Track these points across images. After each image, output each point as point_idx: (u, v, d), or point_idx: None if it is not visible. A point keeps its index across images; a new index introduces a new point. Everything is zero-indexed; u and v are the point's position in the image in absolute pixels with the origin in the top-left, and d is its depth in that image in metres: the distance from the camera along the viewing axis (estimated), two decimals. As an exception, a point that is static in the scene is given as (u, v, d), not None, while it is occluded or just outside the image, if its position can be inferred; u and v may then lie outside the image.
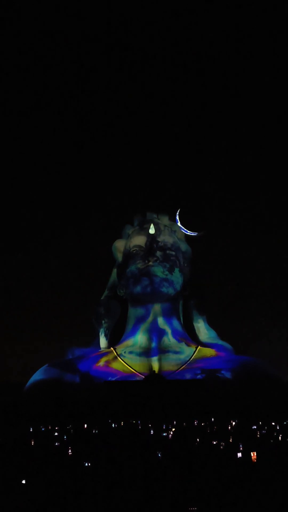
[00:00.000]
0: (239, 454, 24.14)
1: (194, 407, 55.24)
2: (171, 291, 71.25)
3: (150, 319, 71.85)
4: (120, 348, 70.94)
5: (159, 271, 70.29)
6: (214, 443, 29.48)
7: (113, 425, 45.42)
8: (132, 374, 66.05)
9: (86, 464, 22.30)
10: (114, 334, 73.99)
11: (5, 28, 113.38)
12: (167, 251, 72.30)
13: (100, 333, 73.18)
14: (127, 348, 70.62)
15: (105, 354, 70.22)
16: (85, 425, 43.77)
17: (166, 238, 73.51)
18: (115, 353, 70.00)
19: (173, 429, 38.99)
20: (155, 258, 70.53)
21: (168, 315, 72.62)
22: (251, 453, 23.13)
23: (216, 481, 18.52)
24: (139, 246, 72.61)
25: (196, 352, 69.42)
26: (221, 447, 27.94)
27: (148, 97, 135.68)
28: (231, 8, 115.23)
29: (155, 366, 67.24)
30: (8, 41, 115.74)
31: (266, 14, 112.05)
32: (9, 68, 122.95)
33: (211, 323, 75.57)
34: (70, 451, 26.39)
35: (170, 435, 35.19)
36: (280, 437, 32.81)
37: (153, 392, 59.33)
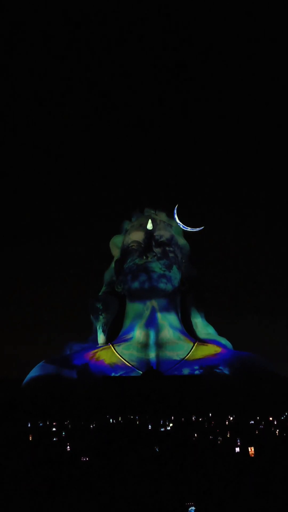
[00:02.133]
0: (237, 449, 24.16)
1: (192, 402, 55.35)
2: (169, 287, 71.22)
3: (148, 314, 71.81)
4: (118, 344, 70.94)
5: (157, 267, 70.28)
6: (212, 438, 29.52)
7: (111, 420, 45.46)
8: (130, 370, 66.09)
9: (84, 459, 22.31)
10: (112, 329, 74.00)
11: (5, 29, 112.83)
12: (165, 247, 72.29)
13: (98, 329, 73.15)
14: (125, 343, 70.62)
15: (103, 349, 70.19)
16: (83, 421, 43.79)
17: (164, 234, 73.45)
18: (113, 349, 70.00)
19: (171, 424, 39.04)
20: (153, 254, 70.48)
21: (166, 310, 72.60)
22: (249, 448, 23.15)
23: (214, 476, 18.54)
24: (137, 242, 72.57)
25: (194, 348, 69.47)
26: (219, 442, 27.97)
27: (147, 95, 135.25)
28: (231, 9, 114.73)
29: (153, 361, 67.26)
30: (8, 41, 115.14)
31: (265, 16, 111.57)
32: (10, 66, 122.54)
33: (209, 319, 75.63)
34: (68, 446, 26.39)
35: (168, 430, 35.24)
36: (277, 432, 32.88)
37: (151, 387, 59.40)
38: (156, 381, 61.12)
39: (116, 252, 77.33)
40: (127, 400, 57.02)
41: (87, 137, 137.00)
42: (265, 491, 16.40)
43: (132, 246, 72.74)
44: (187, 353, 68.49)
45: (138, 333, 71.07)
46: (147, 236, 72.05)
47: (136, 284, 70.69)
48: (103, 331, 72.74)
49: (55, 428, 38.79)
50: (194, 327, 74.05)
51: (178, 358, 67.56)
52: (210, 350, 68.79)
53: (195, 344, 70.33)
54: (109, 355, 68.83)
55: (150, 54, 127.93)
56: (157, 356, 68.06)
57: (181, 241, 76.92)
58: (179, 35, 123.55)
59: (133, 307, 73.76)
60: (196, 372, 64.46)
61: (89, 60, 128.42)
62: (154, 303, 72.01)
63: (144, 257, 70.41)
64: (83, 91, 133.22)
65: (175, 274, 72.18)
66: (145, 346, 69.44)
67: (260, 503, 15.30)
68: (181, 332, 72.77)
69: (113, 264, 77.27)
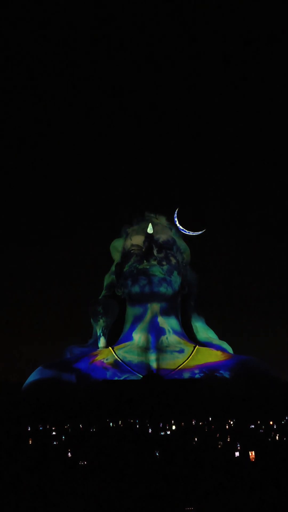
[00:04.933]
0: (237, 454, 24.09)
1: (192, 406, 55.15)
2: (169, 290, 71.12)
3: (148, 318, 71.75)
4: (118, 347, 70.81)
5: (157, 270, 70.19)
6: (212, 442, 29.44)
7: (111, 424, 45.37)
8: (130, 373, 65.94)
9: (83, 463, 22.25)
10: (112, 333, 73.82)
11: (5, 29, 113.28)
12: (166, 251, 72.21)
13: (98, 332, 72.98)
14: (125, 347, 70.49)
15: (103, 353, 70.05)
16: (83, 424, 43.70)
17: (164, 238, 73.36)
18: (113, 352, 69.88)
19: (171, 428, 38.97)
20: (153, 258, 70.42)
21: (166, 314, 72.52)
22: (249, 452, 23.08)
23: (214, 480, 18.48)
24: (138, 246, 72.49)
25: (194, 352, 69.32)
26: (219, 446, 27.90)
27: (147, 99, 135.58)
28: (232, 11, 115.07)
29: (153, 365, 67.13)
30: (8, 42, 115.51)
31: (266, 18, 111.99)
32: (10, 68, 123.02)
33: (209, 323, 75.50)
34: (68, 450, 26.30)
35: (168, 434, 35.16)
36: (278, 436, 32.79)
37: (151, 391, 59.23)
38: (156, 385, 60.95)
39: (116, 256, 77.21)
40: (127, 404, 56.83)
41: (87, 141, 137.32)
42: (265, 495, 16.34)
43: (132, 250, 72.70)
44: (187, 357, 68.37)
45: (138, 337, 70.94)
46: (147, 240, 71.94)
47: (136, 288, 70.61)
48: (103, 334, 72.54)
49: (55, 432, 38.71)
50: (195, 331, 73.95)
51: (178, 362, 67.40)
52: (212, 355, 68.57)
53: (196, 348, 70.19)
54: (109, 358, 68.70)
55: (149, 54, 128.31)
56: (157, 360, 67.90)
57: (182, 245, 76.84)
58: (178, 35, 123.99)
59: (133, 311, 73.67)
60: (197, 376, 64.33)
61: (89, 60, 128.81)
62: (154, 307, 71.92)
63: (145, 261, 70.36)
64: (84, 93, 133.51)
65: (176, 278, 72.08)
66: (145, 349, 69.30)
67: (259, 507, 15.25)
68: (182, 335, 72.64)
69: (113, 268, 77.19)
